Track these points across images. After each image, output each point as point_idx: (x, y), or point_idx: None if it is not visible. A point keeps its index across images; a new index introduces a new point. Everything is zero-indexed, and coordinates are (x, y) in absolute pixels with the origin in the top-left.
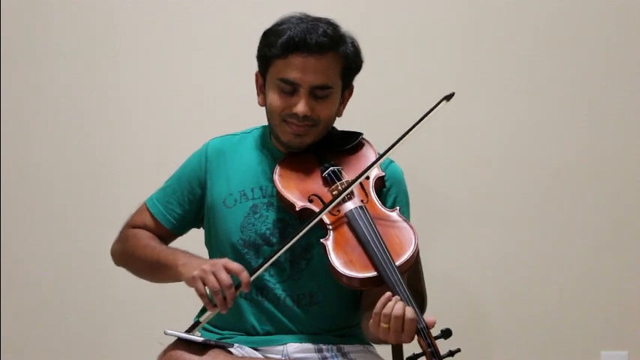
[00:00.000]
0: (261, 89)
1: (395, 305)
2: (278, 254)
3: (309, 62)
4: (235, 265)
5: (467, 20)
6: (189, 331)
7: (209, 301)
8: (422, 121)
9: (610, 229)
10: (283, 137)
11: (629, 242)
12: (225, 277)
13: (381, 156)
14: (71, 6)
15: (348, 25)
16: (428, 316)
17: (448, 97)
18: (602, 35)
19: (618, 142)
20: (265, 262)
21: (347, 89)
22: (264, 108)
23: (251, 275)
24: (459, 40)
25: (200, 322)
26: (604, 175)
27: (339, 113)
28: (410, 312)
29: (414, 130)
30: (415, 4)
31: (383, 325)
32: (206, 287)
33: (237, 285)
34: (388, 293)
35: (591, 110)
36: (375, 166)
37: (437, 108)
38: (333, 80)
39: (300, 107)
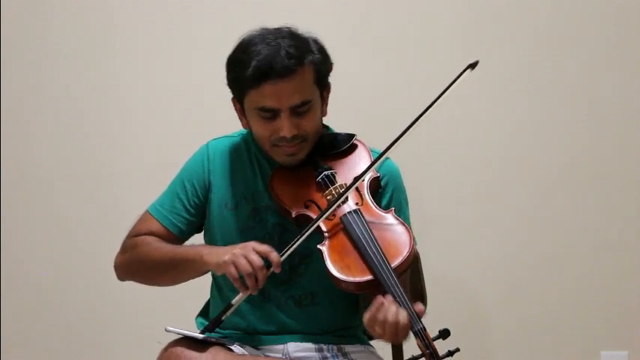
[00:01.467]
0: (242, 113)
1: (389, 310)
2: (304, 236)
3: (282, 87)
4: (264, 247)
5: (467, 20)
6: (224, 311)
7: (242, 284)
8: (447, 91)
9: (610, 229)
10: (277, 159)
11: (629, 242)
12: (256, 259)
13: (395, 140)
14: (71, 6)
15: (348, 25)
16: (417, 305)
17: (472, 66)
18: (602, 35)
19: (618, 142)
20: (292, 245)
21: (324, 90)
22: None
23: (281, 256)
24: (459, 40)
25: (232, 305)
26: (604, 175)
27: (323, 113)
28: (403, 317)
29: (438, 101)
30: (415, 4)
31: (377, 330)
32: (238, 270)
33: (268, 266)
34: (380, 298)
35: (591, 110)
36: (371, 169)
37: (462, 77)
38: (310, 92)
39: (286, 130)
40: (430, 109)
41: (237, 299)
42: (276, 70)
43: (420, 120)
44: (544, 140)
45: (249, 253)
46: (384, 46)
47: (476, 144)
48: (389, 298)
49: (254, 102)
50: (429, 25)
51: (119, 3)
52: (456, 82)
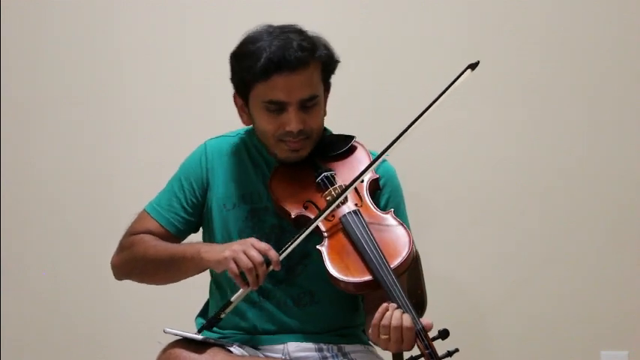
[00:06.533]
0: (243, 109)
1: (393, 315)
2: (303, 235)
3: (292, 80)
4: (263, 245)
5: (468, 21)
6: (223, 309)
7: (242, 280)
8: (447, 91)
9: (610, 229)
10: (281, 155)
11: (629, 243)
12: (257, 255)
13: (394, 141)
14: (71, 6)
15: (348, 25)
16: (425, 319)
17: (473, 66)
18: (602, 36)
19: (619, 143)
20: (291, 244)
21: (327, 89)
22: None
23: (280, 254)
24: (459, 41)
25: (232, 302)
26: (604, 175)
27: (324, 113)
28: (407, 321)
29: (438, 102)
30: (416, 5)
31: (382, 336)
32: (239, 266)
33: (268, 263)
34: (385, 304)
35: (592, 111)
36: (370, 169)
37: (461, 78)
38: (317, 88)
39: (293, 124)
40: (429, 111)
41: (236, 296)
42: (289, 62)
43: (419, 120)
44: (544, 141)
45: (249, 249)
46: (384, 46)
47: (476, 144)
48: (393, 305)
49: (262, 95)
50: (430, 25)
51: (119, 3)
52: (456, 84)
